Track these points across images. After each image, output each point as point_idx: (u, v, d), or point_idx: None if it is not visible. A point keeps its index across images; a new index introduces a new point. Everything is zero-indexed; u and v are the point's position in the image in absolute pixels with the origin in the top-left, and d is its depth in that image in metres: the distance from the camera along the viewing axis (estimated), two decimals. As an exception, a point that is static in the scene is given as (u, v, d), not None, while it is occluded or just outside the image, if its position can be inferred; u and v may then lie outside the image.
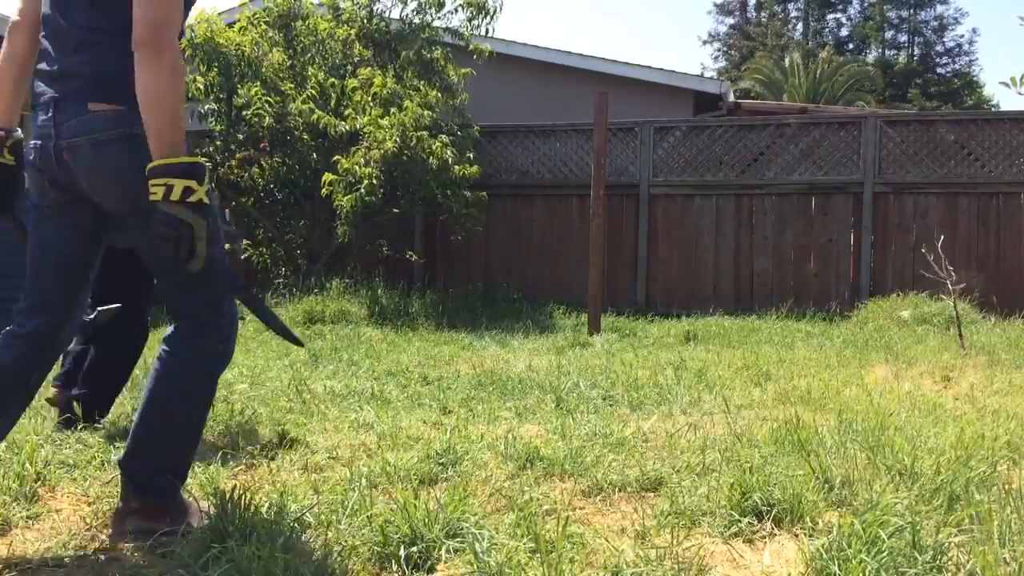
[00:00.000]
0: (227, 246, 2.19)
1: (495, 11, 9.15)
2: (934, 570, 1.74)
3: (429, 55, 9.12)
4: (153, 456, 2.06)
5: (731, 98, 12.43)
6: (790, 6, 44.16)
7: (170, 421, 2.08)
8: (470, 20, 9.24)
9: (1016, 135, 8.70)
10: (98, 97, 1.94)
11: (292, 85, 8.83)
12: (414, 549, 1.88)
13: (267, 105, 8.56)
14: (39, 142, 2.03)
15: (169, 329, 2.11)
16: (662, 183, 9.53)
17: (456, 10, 9.29)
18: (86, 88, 1.95)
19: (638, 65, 11.61)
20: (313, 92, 8.67)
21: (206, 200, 1.83)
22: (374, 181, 8.00)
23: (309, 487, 2.37)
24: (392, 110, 8.20)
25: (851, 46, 41.54)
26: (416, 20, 9.31)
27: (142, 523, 2.02)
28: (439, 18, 9.33)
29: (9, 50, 2.12)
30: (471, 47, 9.35)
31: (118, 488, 2.35)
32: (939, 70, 39.94)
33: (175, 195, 1.78)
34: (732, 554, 1.94)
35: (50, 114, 2.00)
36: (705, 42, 52.12)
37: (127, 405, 3.52)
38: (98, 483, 2.46)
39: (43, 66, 2.04)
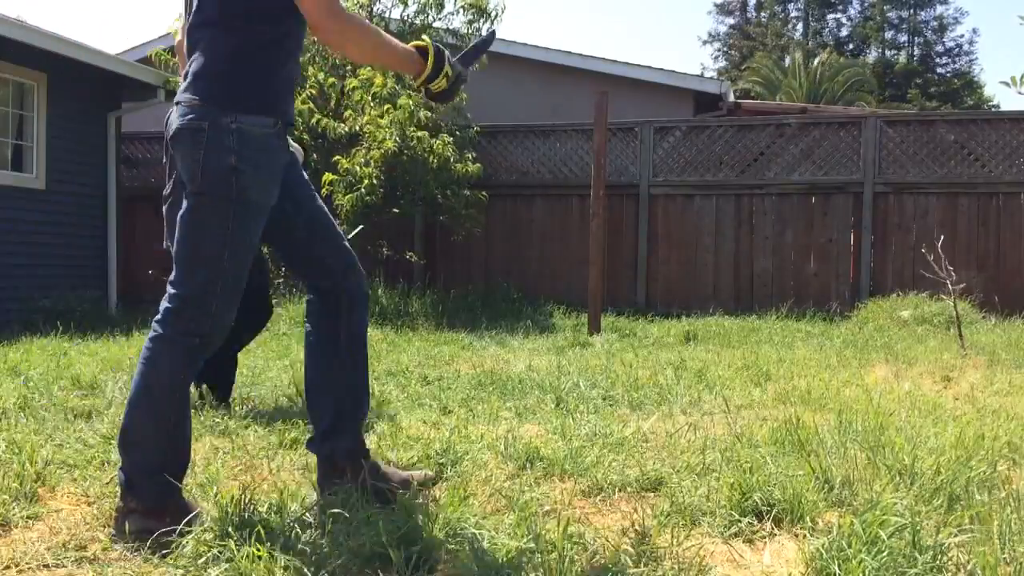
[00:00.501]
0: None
1: (496, 14, 9.16)
2: (934, 570, 1.74)
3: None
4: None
5: (731, 98, 12.43)
6: (790, 6, 44.17)
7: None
8: (470, 23, 9.24)
9: (1016, 135, 8.70)
10: (188, 90, 2.10)
11: (292, 85, 8.83)
12: (414, 549, 1.88)
13: (267, 105, 8.55)
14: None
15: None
16: (662, 183, 9.53)
17: (457, 12, 9.30)
18: (190, 79, 2.11)
19: (638, 65, 11.61)
20: (312, 92, 8.67)
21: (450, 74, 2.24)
22: (374, 181, 8.00)
23: (309, 487, 2.37)
24: (387, 107, 8.19)
25: (851, 46, 41.53)
26: (417, 21, 9.31)
27: (141, 523, 2.03)
28: (440, 19, 9.33)
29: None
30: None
31: (118, 488, 2.35)
32: (939, 70, 39.94)
33: (438, 84, 2.23)
34: (732, 554, 1.94)
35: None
36: (705, 42, 52.15)
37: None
38: (98, 483, 2.46)
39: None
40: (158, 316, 2.16)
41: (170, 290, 2.18)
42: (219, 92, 2.05)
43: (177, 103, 2.10)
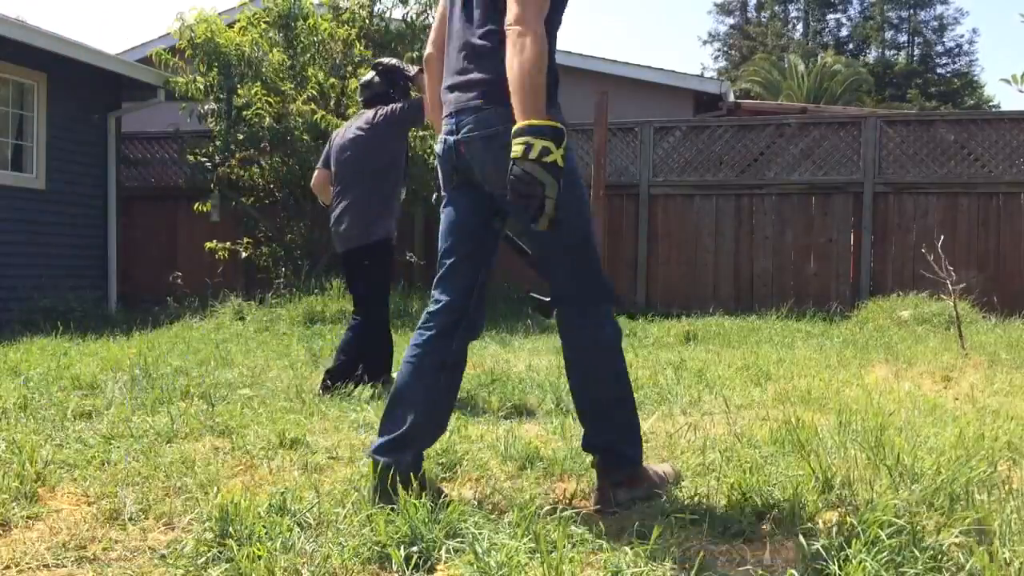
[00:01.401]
0: None
1: None
2: (934, 570, 1.74)
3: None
4: (609, 431, 2.28)
5: (731, 98, 12.43)
6: (790, 6, 44.17)
7: (601, 397, 2.29)
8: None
9: (1016, 135, 8.70)
10: (489, 99, 2.17)
11: (292, 85, 8.83)
12: (414, 549, 1.88)
13: (267, 105, 8.56)
14: (445, 137, 2.29)
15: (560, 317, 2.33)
16: (662, 183, 9.53)
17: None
18: (481, 91, 2.20)
19: (638, 65, 11.61)
20: (313, 92, 8.67)
21: (560, 163, 1.94)
22: (374, 181, 7.99)
23: (309, 487, 2.37)
24: None
25: (851, 46, 41.53)
26: (418, 21, 9.30)
27: (628, 493, 2.23)
28: None
29: (431, 69, 2.47)
30: None
31: (118, 488, 2.35)
32: (939, 70, 39.93)
33: (533, 154, 1.91)
34: (732, 554, 1.94)
35: (452, 114, 2.27)
36: (705, 42, 52.17)
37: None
38: (98, 483, 2.46)
39: (448, 78, 2.32)
40: (593, 305, 2.27)
41: (585, 281, 2.27)
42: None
43: (475, 110, 2.19)
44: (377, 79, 4.34)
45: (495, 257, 2.40)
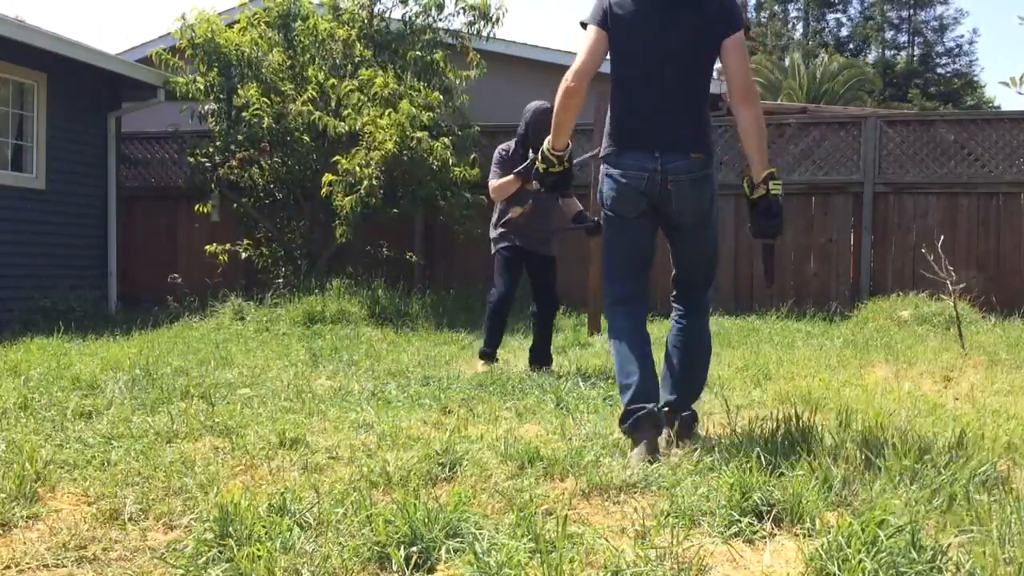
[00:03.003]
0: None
1: (498, 17, 9.14)
2: (934, 570, 1.74)
3: (429, 56, 9.11)
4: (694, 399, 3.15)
5: (731, 98, 12.42)
6: (790, 6, 44.16)
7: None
8: (471, 24, 9.22)
9: (1016, 135, 8.70)
10: (697, 148, 2.84)
11: (292, 85, 8.83)
12: (414, 549, 1.88)
13: (267, 105, 8.56)
14: (646, 174, 2.84)
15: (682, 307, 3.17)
16: (662, 183, 9.52)
17: (457, 13, 9.29)
18: (689, 140, 2.83)
19: (638, 65, 11.58)
20: (313, 93, 8.67)
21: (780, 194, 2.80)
22: (374, 182, 8.00)
23: (309, 487, 2.37)
24: (388, 110, 8.19)
25: (851, 46, 41.52)
26: (418, 22, 9.30)
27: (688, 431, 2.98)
28: (440, 20, 9.32)
29: (578, 102, 2.96)
30: (468, 53, 9.30)
31: (118, 488, 2.36)
32: (939, 70, 39.92)
33: (780, 192, 2.77)
34: (732, 554, 1.94)
35: (657, 155, 2.83)
36: (705, 42, 51.99)
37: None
38: (98, 483, 2.46)
39: (646, 116, 2.88)
40: (707, 302, 3.18)
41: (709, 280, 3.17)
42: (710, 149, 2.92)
43: (684, 155, 2.84)
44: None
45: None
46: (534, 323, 5.22)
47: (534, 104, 4.93)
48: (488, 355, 5.14)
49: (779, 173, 3.01)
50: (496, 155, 5.05)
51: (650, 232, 3.01)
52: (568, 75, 2.88)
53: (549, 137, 3.02)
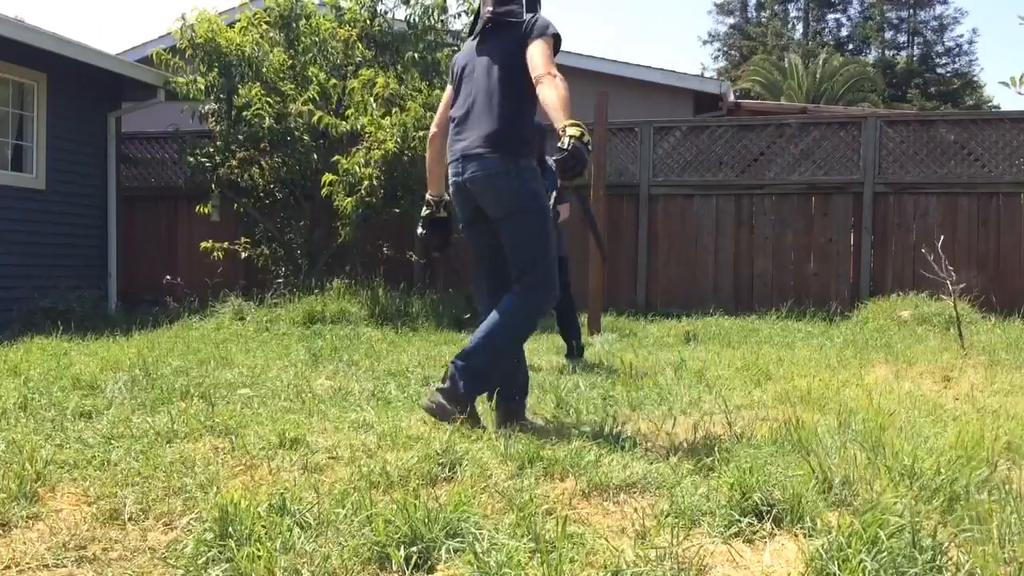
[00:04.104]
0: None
1: None
2: (934, 570, 1.74)
3: (432, 57, 9.11)
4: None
5: (731, 98, 12.43)
6: (790, 6, 44.14)
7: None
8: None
9: (1016, 135, 8.70)
10: (488, 148, 3.15)
11: (293, 85, 8.83)
12: (414, 549, 1.88)
13: (267, 105, 8.56)
14: (456, 177, 3.23)
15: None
16: (662, 183, 9.53)
17: (459, 15, 9.30)
18: (480, 143, 3.16)
19: (638, 65, 11.61)
20: (314, 93, 8.67)
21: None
22: (374, 182, 8.00)
23: (309, 487, 2.37)
24: (394, 110, 8.19)
25: (851, 46, 41.51)
26: (423, 22, 9.29)
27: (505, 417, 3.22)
28: (442, 21, 9.32)
29: (435, 147, 3.48)
30: None
31: (118, 488, 2.36)
32: (939, 70, 39.91)
33: (583, 135, 2.91)
34: (732, 554, 1.94)
35: (458, 160, 3.23)
36: (705, 42, 52.12)
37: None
38: (98, 483, 2.46)
39: (457, 129, 3.27)
40: (516, 302, 3.22)
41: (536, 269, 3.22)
42: (506, 149, 3.21)
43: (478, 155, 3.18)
44: None
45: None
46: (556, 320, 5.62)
47: None
48: None
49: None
50: None
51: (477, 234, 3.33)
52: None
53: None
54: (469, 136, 3.19)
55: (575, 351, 5.38)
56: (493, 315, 3.17)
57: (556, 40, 3.18)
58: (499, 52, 3.24)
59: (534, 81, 3.07)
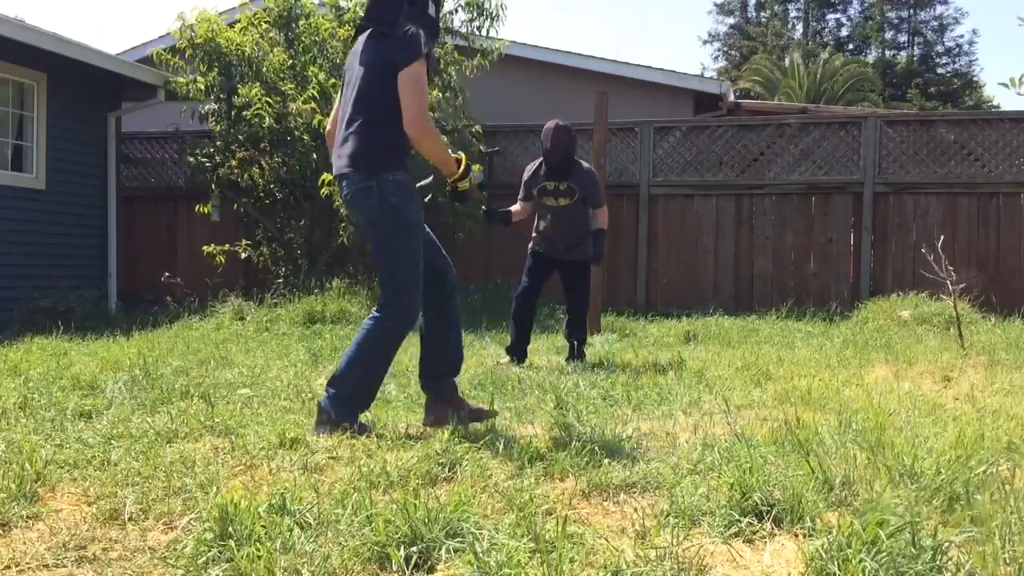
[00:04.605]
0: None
1: (497, 14, 9.14)
2: (934, 570, 1.74)
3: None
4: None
5: (731, 98, 12.43)
6: (790, 6, 44.17)
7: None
8: (471, 21, 9.23)
9: (1016, 135, 8.70)
10: (356, 165, 3.20)
11: (293, 85, 8.83)
12: (414, 549, 1.88)
13: (267, 105, 8.56)
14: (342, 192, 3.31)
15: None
16: (662, 183, 9.53)
17: (456, 10, 9.29)
18: (346, 163, 3.22)
19: (638, 65, 11.61)
20: (314, 92, 8.66)
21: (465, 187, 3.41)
22: (374, 181, 7.99)
23: (309, 487, 2.37)
24: None
25: (851, 46, 41.52)
26: None
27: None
28: (440, 19, 9.31)
29: (330, 145, 3.44)
30: (476, 46, 9.33)
31: (118, 488, 2.36)
32: (939, 70, 39.92)
33: (463, 184, 3.37)
34: (732, 554, 1.94)
35: (337, 180, 3.32)
36: (705, 42, 52.13)
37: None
38: (98, 483, 2.46)
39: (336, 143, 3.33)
40: (380, 320, 3.24)
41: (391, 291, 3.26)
42: (365, 167, 3.27)
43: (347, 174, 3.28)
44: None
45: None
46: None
47: (550, 123, 5.26)
48: (509, 350, 5.38)
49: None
50: (524, 173, 5.53)
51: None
52: None
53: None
54: (341, 155, 3.22)
55: (575, 353, 5.35)
56: (357, 336, 3.19)
57: (427, 58, 3.17)
58: (367, 63, 3.21)
59: (409, 136, 3.18)
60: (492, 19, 9.16)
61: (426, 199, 3.52)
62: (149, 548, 1.99)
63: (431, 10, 3.30)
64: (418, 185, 3.42)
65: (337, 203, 8.12)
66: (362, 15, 3.34)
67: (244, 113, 8.71)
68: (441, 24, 9.30)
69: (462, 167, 3.33)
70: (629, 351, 5.85)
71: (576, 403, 3.76)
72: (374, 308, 3.20)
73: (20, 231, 8.31)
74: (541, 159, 5.36)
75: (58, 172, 8.79)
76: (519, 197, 5.50)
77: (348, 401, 3.12)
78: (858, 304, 8.62)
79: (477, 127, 9.42)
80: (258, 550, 1.80)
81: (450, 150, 3.38)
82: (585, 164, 5.45)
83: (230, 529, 1.94)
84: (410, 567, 1.83)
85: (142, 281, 10.18)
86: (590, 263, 5.49)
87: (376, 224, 3.18)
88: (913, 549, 1.77)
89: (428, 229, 3.42)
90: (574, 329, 5.45)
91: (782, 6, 43.91)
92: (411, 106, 3.10)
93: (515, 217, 5.34)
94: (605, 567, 1.82)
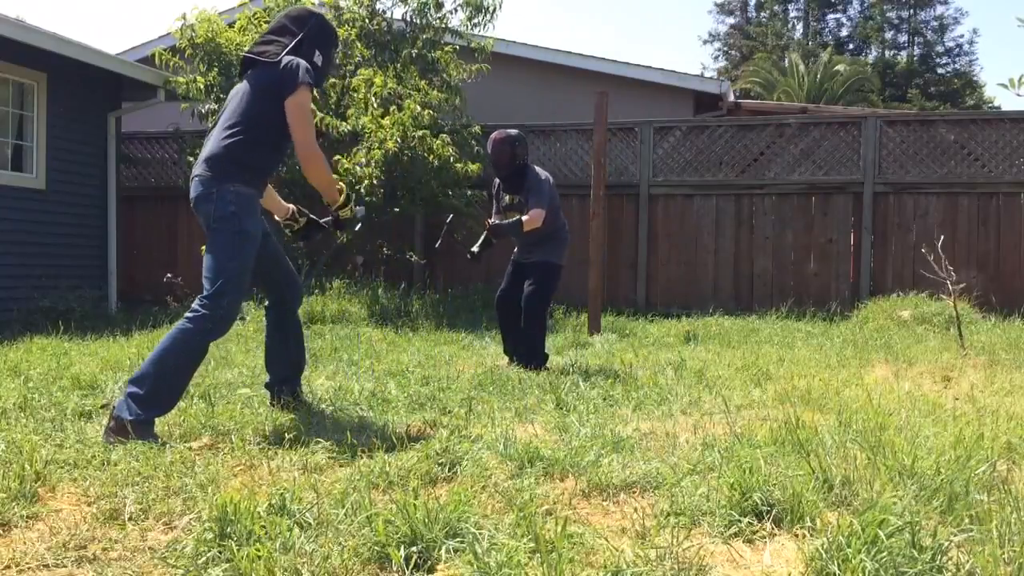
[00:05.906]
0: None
1: (494, 9, 9.14)
2: (934, 570, 1.74)
3: (430, 55, 9.10)
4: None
5: (731, 98, 12.43)
6: (790, 6, 44.13)
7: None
8: (469, 19, 9.23)
9: (1016, 135, 8.70)
10: (201, 170, 3.35)
11: (292, 85, 8.82)
12: (414, 549, 1.88)
13: (267, 105, 8.54)
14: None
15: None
16: (662, 183, 9.53)
17: (455, 10, 9.29)
18: (199, 166, 3.38)
19: (638, 65, 11.60)
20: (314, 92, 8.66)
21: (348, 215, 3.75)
22: (374, 181, 7.99)
23: (309, 487, 2.37)
24: (392, 109, 8.18)
25: (851, 46, 41.51)
26: (417, 20, 9.30)
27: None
28: (439, 19, 9.32)
29: None
30: (473, 44, 9.34)
31: (118, 488, 2.36)
32: (939, 70, 39.90)
33: (344, 212, 3.70)
34: (732, 554, 1.94)
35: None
36: (705, 42, 52.12)
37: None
38: (98, 483, 2.46)
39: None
40: (191, 321, 3.26)
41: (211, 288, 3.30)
42: (215, 170, 3.40)
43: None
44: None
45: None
46: None
47: (493, 134, 5.22)
48: (504, 351, 5.40)
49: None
50: (493, 186, 5.53)
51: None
52: None
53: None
54: (198, 160, 3.38)
55: (523, 357, 5.06)
56: (167, 334, 3.20)
57: (312, 86, 3.36)
58: (253, 87, 3.41)
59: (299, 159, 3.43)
60: (491, 15, 9.15)
61: (356, 228, 3.89)
62: (149, 548, 1.99)
63: (317, 59, 3.51)
64: (352, 214, 3.71)
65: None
66: (246, 50, 3.63)
67: (244, 113, 8.70)
68: (440, 23, 9.39)
69: (342, 197, 3.58)
70: (629, 351, 5.85)
71: (576, 403, 3.76)
72: (190, 308, 3.21)
73: (20, 231, 8.31)
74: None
75: (58, 172, 8.78)
76: (492, 211, 5.45)
77: (148, 400, 3.05)
78: (858, 304, 8.62)
79: (476, 127, 9.42)
80: (258, 550, 1.80)
81: (334, 179, 3.59)
82: (541, 172, 5.19)
83: (230, 529, 1.94)
84: (410, 567, 1.83)
85: (142, 281, 10.18)
86: (550, 264, 5.19)
87: (211, 227, 3.27)
88: (913, 549, 1.77)
89: (277, 244, 3.63)
90: (527, 335, 5.14)
91: (782, 6, 43.88)
92: (299, 132, 3.32)
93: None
94: (605, 567, 1.82)
